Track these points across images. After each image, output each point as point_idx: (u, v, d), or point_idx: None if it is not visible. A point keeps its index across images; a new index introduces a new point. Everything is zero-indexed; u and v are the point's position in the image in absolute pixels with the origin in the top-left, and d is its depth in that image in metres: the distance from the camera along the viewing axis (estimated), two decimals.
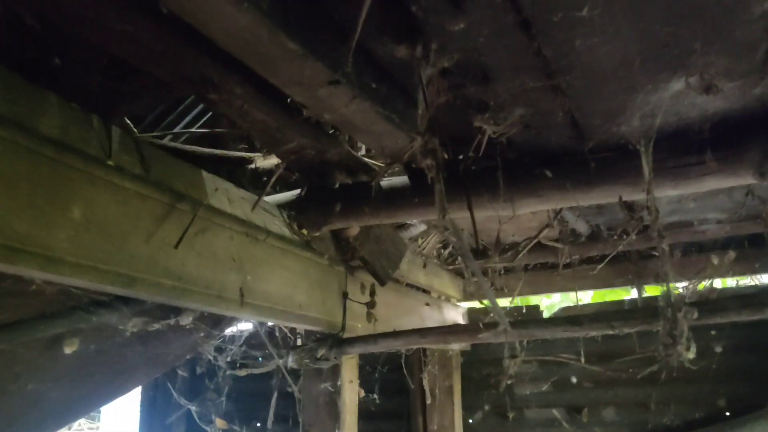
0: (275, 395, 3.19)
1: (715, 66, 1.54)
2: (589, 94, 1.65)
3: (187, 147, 2.25)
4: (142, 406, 4.44)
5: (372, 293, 2.61)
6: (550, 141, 1.92)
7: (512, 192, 2.02)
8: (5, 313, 1.82)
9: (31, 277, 1.43)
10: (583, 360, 2.51)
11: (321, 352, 2.40)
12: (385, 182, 2.31)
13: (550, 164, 1.95)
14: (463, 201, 2.13)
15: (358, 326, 2.64)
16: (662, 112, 1.63)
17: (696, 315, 1.65)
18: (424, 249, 3.50)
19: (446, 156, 2.07)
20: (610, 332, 2.00)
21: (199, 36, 1.58)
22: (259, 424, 4.13)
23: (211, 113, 2.64)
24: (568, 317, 2.05)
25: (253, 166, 2.64)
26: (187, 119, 2.76)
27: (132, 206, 1.58)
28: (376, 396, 3.39)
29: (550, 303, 4.71)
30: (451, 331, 2.33)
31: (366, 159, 2.38)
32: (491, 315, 4.13)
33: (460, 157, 2.05)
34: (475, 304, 4.48)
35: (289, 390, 3.13)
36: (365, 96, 1.74)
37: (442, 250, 3.82)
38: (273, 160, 2.62)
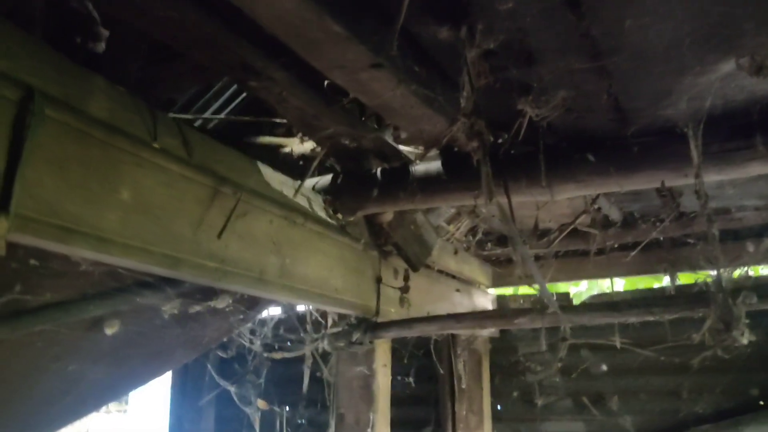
0: (307, 378, 3.21)
1: (767, 47, 1.51)
2: (636, 76, 1.63)
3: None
4: (173, 388, 4.50)
5: (406, 278, 2.62)
6: (592, 125, 1.90)
7: (551, 177, 2.00)
8: (50, 293, 1.85)
9: (83, 257, 1.45)
10: (618, 345, 2.48)
11: (356, 336, 2.41)
12: (421, 167, 2.30)
13: (591, 148, 1.93)
14: (500, 186, 2.12)
15: (392, 311, 2.65)
16: (711, 94, 1.60)
17: (755, 300, 1.62)
18: (454, 235, 3.50)
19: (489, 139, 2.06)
20: (650, 318, 1.99)
21: (241, 22, 1.58)
22: (288, 407, 4.17)
23: (244, 96, 2.66)
24: (607, 302, 2.03)
25: (288, 150, 2.65)
26: (220, 102, 2.77)
27: (177, 188, 1.59)
28: (412, 380, 3.40)
29: (577, 291, 4.68)
30: (487, 315, 2.33)
31: (400, 147, 2.37)
32: (521, 301, 4.13)
33: (498, 141, 2.03)
34: (503, 291, 4.47)
35: (318, 374, 3.15)
36: (407, 79, 1.73)
37: (471, 237, 3.81)
38: (308, 145, 2.63)
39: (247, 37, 1.68)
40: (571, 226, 2.97)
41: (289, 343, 2.90)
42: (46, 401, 2.30)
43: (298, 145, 2.59)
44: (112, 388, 2.55)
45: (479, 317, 2.31)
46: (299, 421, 4.15)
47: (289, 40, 1.55)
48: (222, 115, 2.16)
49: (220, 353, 3.70)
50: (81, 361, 2.26)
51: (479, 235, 3.78)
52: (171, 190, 1.57)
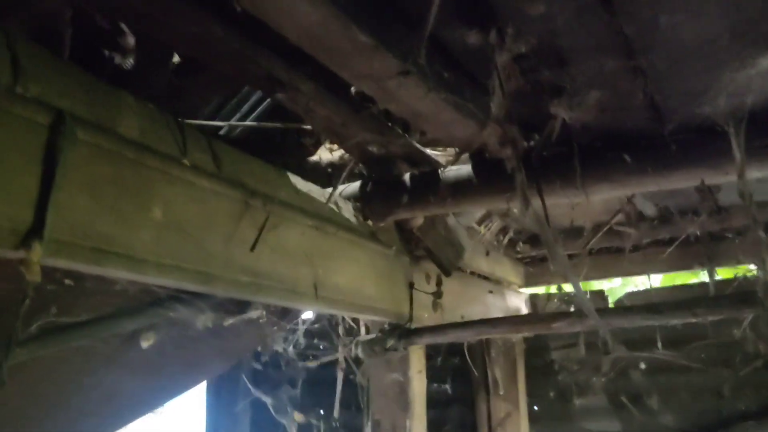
0: (340, 384, 3.20)
1: None
2: (672, 73, 1.58)
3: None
4: (208, 393, 4.52)
5: (438, 283, 2.59)
6: (627, 124, 1.85)
7: (585, 178, 1.95)
8: (86, 312, 1.87)
9: (117, 277, 1.45)
10: (660, 346, 2.43)
11: (390, 343, 2.39)
12: (451, 172, 2.27)
13: (626, 148, 1.88)
14: (533, 188, 2.08)
15: (425, 316, 2.62)
16: (751, 91, 1.55)
17: None
18: (485, 236, 3.46)
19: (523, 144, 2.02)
20: (693, 320, 1.93)
21: (266, 35, 1.57)
22: (322, 411, 4.17)
23: (269, 104, 2.66)
24: (648, 305, 1.98)
25: (316, 158, 2.64)
26: (245, 109, 2.77)
27: (208, 204, 1.59)
28: (448, 386, 3.37)
29: (611, 286, 4.59)
30: (523, 320, 2.29)
31: (428, 150, 2.35)
32: (556, 301, 4.08)
33: (530, 143, 1.99)
34: (534, 290, 4.41)
35: (351, 378, 3.14)
36: (435, 85, 1.70)
37: (503, 237, 3.77)
38: (337, 153, 2.61)
39: (273, 49, 1.67)
40: (607, 226, 2.91)
41: (321, 347, 2.89)
42: (84, 414, 2.32)
43: (326, 154, 2.58)
44: (148, 399, 2.57)
45: (515, 322, 2.27)
46: (334, 425, 4.15)
47: (315, 51, 1.53)
48: (248, 122, 2.16)
49: (254, 364, 3.71)
50: (117, 374, 2.28)
51: (510, 235, 3.73)
52: (202, 206, 1.57)
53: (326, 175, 2.57)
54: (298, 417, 3.05)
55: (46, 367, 2.06)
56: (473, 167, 2.21)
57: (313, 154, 2.63)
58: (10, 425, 2.04)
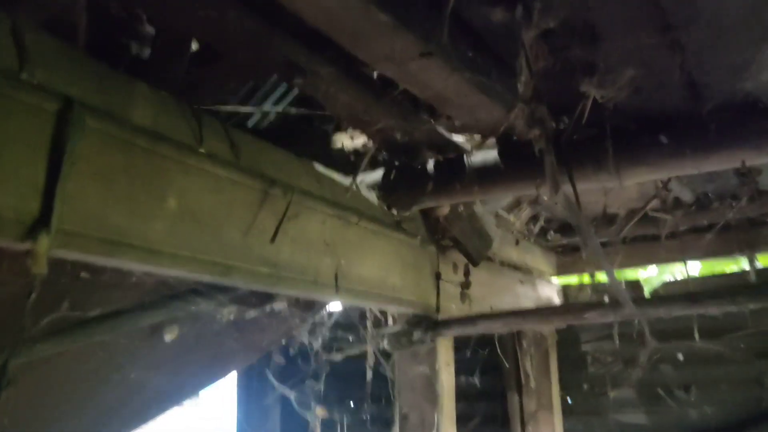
0: (369, 377, 3.15)
1: None
2: (712, 48, 1.48)
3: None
4: (238, 387, 4.52)
5: (466, 273, 2.52)
6: (663, 104, 1.76)
7: (619, 161, 1.86)
8: (105, 305, 1.84)
9: (131, 269, 1.41)
10: (697, 336, 2.34)
11: (416, 335, 2.33)
12: (477, 158, 2.20)
13: (663, 129, 1.79)
14: (563, 173, 2.00)
15: (452, 307, 2.55)
16: None
17: None
18: (515, 224, 3.37)
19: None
20: (734, 309, 1.83)
21: (283, 18, 1.52)
22: (353, 404, 4.13)
23: (291, 94, 2.61)
24: (686, 294, 1.89)
25: (339, 146, 2.58)
26: (268, 102, 2.72)
27: (225, 194, 1.54)
28: (476, 379, 3.30)
29: (647, 275, 4.46)
30: (554, 311, 2.21)
31: (454, 137, 2.27)
32: (589, 291, 3.97)
33: (560, 126, 1.91)
34: (566, 280, 4.31)
35: (380, 371, 3.08)
36: (459, 66, 1.63)
37: (532, 225, 3.68)
38: (359, 141, 2.55)
39: (291, 34, 1.61)
40: (642, 213, 2.80)
41: (350, 339, 2.84)
42: (110, 409, 2.31)
43: (349, 141, 2.52)
44: (174, 393, 2.55)
45: (545, 313, 2.19)
46: (364, 417, 4.11)
47: (334, 33, 1.47)
48: (266, 107, 2.10)
49: (277, 359, 3.67)
50: (142, 369, 2.26)
51: (541, 223, 3.64)
52: (219, 196, 1.52)
53: (350, 163, 2.51)
54: (321, 412, 3.00)
55: (70, 363, 2.04)
56: (500, 152, 2.13)
57: (334, 142, 2.57)
58: (36, 423, 2.03)
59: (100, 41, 1.67)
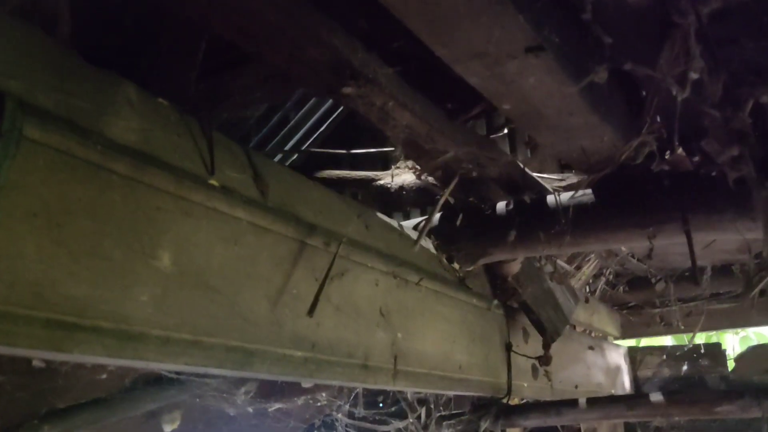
0: None
1: None
2: None
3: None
4: None
5: (546, 345, 2.00)
6: None
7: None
8: (83, 393, 1.36)
9: (98, 363, 0.94)
10: None
11: (484, 426, 1.81)
12: (564, 199, 1.72)
13: None
14: (677, 218, 1.53)
15: (524, 385, 2.04)
16: None
17: None
18: (581, 279, 2.87)
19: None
20: None
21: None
22: None
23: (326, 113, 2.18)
24: None
25: (381, 182, 2.13)
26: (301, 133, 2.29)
27: (246, 245, 1.06)
28: None
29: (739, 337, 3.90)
30: (675, 401, 1.67)
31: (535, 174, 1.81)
32: (660, 355, 3.41)
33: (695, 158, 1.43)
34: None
35: None
36: (574, 72, 1.18)
37: (595, 280, 3.17)
38: (407, 176, 2.09)
39: (340, 21, 1.17)
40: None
41: (391, 422, 2.32)
42: None
43: (397, 176, 2.06)
44: None
45: (659, 405, 1.66)
46: None
47: (409, 15, 1.03)
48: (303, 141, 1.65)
49: None
50: None
51: (608, 277, 3.13)
52: (236, 248, 1.05)
53: (398, 201, 2.05)
54: None
55: None
56: (597, 192, 1.65)
57: (377, 178, 2.13)
58: None
59: (86, 34, 1.23)
